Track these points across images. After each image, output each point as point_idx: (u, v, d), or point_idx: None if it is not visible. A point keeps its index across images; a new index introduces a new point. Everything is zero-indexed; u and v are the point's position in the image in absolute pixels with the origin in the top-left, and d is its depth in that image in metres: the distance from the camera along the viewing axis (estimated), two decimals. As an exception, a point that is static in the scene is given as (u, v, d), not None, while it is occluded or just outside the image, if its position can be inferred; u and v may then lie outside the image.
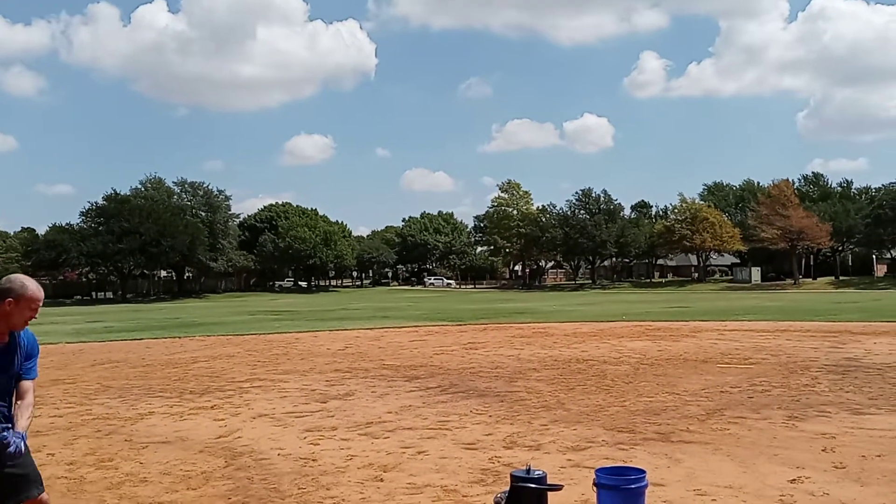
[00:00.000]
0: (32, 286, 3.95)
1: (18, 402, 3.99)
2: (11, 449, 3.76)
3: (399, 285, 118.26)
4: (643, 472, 4.86)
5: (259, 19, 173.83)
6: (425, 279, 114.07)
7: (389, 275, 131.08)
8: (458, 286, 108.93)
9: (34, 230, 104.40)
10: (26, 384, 4.03)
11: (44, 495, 4.14)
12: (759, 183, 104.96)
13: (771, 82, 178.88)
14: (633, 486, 4.70)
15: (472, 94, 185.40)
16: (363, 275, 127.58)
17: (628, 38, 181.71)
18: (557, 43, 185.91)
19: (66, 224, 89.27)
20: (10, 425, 3.93)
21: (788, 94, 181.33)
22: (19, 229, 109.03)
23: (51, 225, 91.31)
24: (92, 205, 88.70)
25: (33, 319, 3.99)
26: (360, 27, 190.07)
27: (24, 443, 3.86)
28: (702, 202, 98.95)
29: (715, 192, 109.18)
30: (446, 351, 17.44)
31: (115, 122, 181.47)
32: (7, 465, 3.91)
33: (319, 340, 21.70)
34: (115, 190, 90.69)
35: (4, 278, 4.00)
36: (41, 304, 3.98)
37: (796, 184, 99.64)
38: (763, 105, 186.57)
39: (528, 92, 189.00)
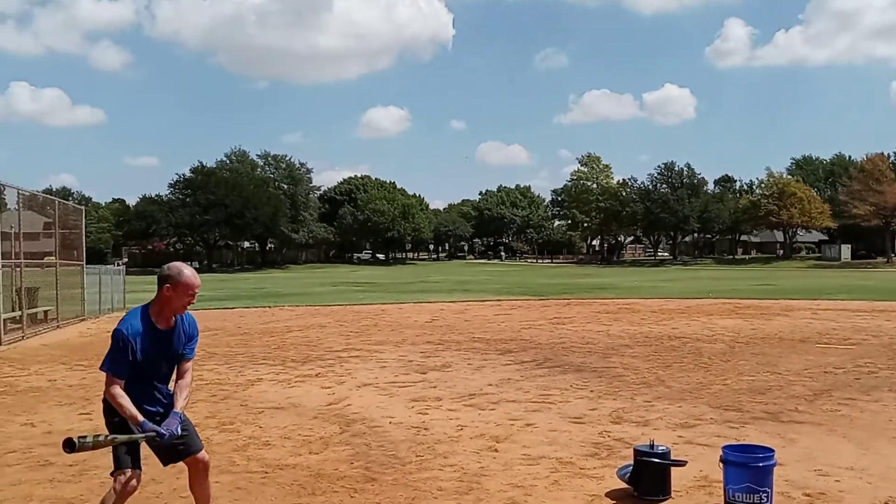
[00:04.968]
0: (188, 273, 4.15)
1: (178, 382, 4.27)
2: (166, 436, 4.02)
3: (475, 259, 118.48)
4: (772, 450, 4.86)
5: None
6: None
7: (465, 248, 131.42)
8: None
9: (125, 201, 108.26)
10: (186, 364, 4.30)
11: (203, 453, 4.41)
12: (850, 157, 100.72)
13: (864, 50, 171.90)
14: (761, 465, 4.71)
15: (548, 65, 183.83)
16: (439, 248, 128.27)
17: (712, 4, 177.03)
18: (637, 10, 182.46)
19: (156, 195, 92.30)
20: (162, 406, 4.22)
21: (883, 63, 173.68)
22: (110, 200, 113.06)
23: (140, 196, 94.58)
24: (180, 177, 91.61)
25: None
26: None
27: (180, 421, 4.11)
28: (789, 177, 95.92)
29: (803, 167, 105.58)
30: (533, 325, 17.50)
31: (197, 95, 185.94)
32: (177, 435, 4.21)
33: (405, 312, 22.02)
34: (201, 162, 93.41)
35: (165, 266, 4.23)
36: (198, 290, 4.19)
37: (892, 157, 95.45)
38: (855, 74, 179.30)
39: (607, 62, 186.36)
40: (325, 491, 5.33)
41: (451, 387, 9.51)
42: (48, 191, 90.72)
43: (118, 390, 4.02)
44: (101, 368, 4.08)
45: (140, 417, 3.99)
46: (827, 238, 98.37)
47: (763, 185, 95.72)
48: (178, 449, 4.30)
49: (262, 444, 6.69)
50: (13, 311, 16.63)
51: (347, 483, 5.51)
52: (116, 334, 4.04)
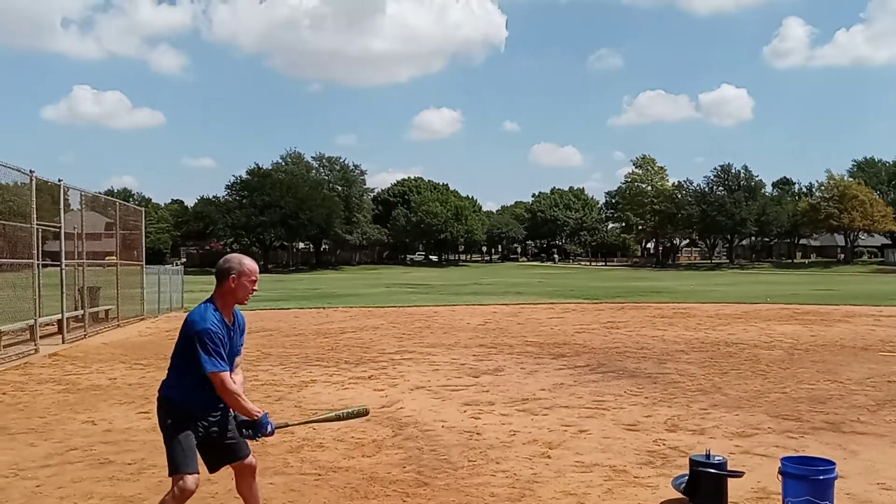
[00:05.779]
0: (248, 261, 4.22)
1: (234, 379, 4.17)
2: (268, 431, 4.13)
3: (528, 261, 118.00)
4: (833, 463, 4.73)
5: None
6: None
7: (518, 250, 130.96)
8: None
9: (183, 202, 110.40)
10: (238, 359, 4.32)
11: (251, 458, 4.45)
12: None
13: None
14: (821, 478, 4.59)
15: (602, 66, 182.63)
16: (492, 250, 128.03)
17: (770, 3, 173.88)
18: (693, 10, 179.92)
19: (213, 196, 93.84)
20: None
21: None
22: (169, 201, 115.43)
23: (198, 197, 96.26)
24: (236, 178, 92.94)
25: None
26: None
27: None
28: (851, 179, 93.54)
29: (865, 169, 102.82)
30: (587, 329, 17.35)
31: (253, 97, 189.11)
32: (227, 438, 4.28)
33: (458, 315, 22.02)
34: (257, 164, 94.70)
35: (222, 259, 4.26)
36: (258, 278, 4.22)
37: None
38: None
39: (662, 63, 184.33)
40: (377, 494, 5.36)
41: (503, 391, 9.49)
42: (110, 192, 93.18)
43: (234, 386, 4.04)
44: (209, 371, 3.94)
45: (259, 411, 4.09)
46: (890, 242, 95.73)
47: (823, 188, 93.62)
48: (227, 454, 4.33)
49: (315, 445, 6.75)
50: (75, 309, 17.08)
51: (400, 487, 5.53)
52: (205, 333, 3.94)
